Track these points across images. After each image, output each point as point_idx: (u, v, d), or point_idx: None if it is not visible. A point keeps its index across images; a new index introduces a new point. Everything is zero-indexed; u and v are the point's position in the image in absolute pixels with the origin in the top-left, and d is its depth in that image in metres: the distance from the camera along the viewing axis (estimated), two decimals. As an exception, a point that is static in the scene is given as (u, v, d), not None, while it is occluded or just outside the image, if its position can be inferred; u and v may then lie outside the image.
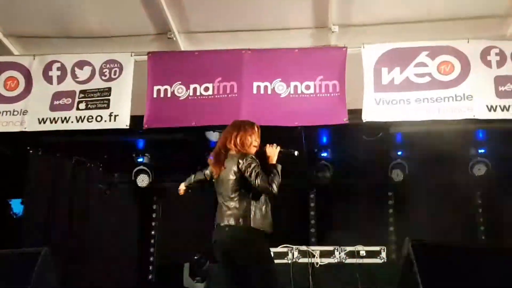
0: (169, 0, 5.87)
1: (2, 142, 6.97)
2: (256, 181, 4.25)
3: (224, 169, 4.46)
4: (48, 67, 6.35)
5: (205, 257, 7.48)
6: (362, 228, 7.94)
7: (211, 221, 9.04)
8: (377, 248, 6.80)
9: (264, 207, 4.38)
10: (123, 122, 6.11)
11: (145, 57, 6.24)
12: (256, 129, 4.60)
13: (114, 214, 8.74)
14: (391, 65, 5.97)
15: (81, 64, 6.33)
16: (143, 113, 6.14)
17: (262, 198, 4.41)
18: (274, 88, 6.07)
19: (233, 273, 4.34)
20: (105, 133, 6.42)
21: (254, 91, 6.08)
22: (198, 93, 6.13)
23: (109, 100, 6.18)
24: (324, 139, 8.25)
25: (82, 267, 7.76)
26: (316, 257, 6.65)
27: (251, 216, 4.32)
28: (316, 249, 6.74)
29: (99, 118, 6.14)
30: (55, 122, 6.19)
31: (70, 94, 6.26)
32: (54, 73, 6.33)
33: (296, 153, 4.59)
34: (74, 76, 6.32)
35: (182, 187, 5.12)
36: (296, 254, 6.65)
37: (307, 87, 6.03)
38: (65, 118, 6.19)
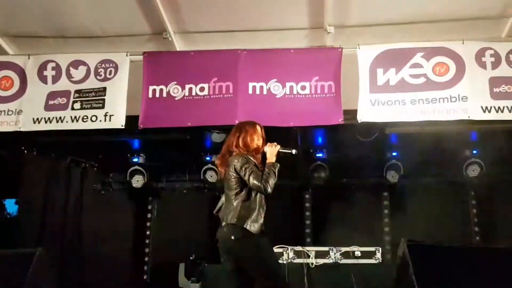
0: (165, 0, 5.85)
1: (-4, 142, 6.95)
2: (250, 180, 4.33)
3: (227, 170, 4.53)
4: (43, 67, 6.33)
5: (200, 257, 7.48)
6: (357, 229, 7.95)
7: (206, 222, 9.08)
8: (372, 249, 6.81)
9: (257, 207, 4.41)
10: (118, 122, 6.09)
11: (141, 57, 6.23)
12: (258, 128, 4.68)
13: (109, 214, 8.73)
14: (386, 66, 5.98)
15: (76, 64, 6.32)
16: (138, 113, 6.13)
17: (257, 198, 4.43)
18: (269, 88, 6.07)
19: (235, 271, 4.42)
20: (100, 133, 6.40)
21: (250, 92, 6.08)
22: (193, 93, 6.12)
23: (104, 100, 6.16)
24: (320, 140, 8.26)
25: (77, 267, 7.75)
26: (311, 258, 6.65)
27: (247, 216, 4.37)
28: (311, 249, 6.74)
29: (94, 118, 6.12)
30: (50, 122, 6.17)
31: (65, 94, 6.24)
32: (49, 72, 6.31)
33: (294, 151, 4.63)
34: (69, 76, 6.30)
35: None
36: (291, 254, 6.65)
37: (303, 88, 6.04)
38: (60, 118, 6.17)
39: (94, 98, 6.18)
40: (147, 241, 8.99)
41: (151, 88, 6.18)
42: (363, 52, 6.02)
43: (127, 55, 6.25)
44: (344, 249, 6.72)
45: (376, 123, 6.08)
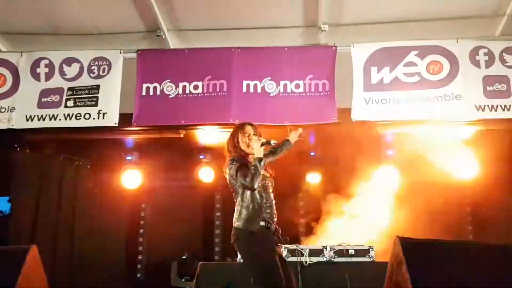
0: (159, -3, 5.84)
1: (-11, 139, 6.91)
2: (239, 180, 4.44)
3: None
4: (35, 64, 6.30)
5: (193, 256, 7.48)
6: (351, 227, 7.96)
7: (199, 220, 9.05)
8: (366, 247, 6.80)
9: (254, 206, 4.44)
10: (112, 120, 6.07)
11: (134, 55, 6.21)
12: (246, 127, 4.71)
13: (103, 212, 8.70)
14: (380, 64, 5.99)
15: (69, 61, 6.29)
16: (132, 111, 6.10)
17: (253, 196, 4.44)
18: (263, 86, 6.06)
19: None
20: (94, 131, 6.37)
21: (244, 90, 6.07)
22: (187, 91, 6.11)
23: (97, 97, 6.13)
24: (314, 138, 8.26)
25: (70, 265, 7.72)
26: (305, 256, 6.64)
27: (241, 216, 4.47)
28: (305, 247, 6.72)
29: (87, 116, 6.09)
30: (43, 120, 6.13)
31: (58, 91, 6.21)
32: (42, 70, 6.28)
33: (272, 142, 4.70)
34: (62, 73, 6.27)
35: None
36: (285, 252, 6.63)
37: (297, 86, 6.03)
38: (53, 115, 6.14)
39: (88, 96, 6.16)
40: (140, 239, 8.98)
41: (144, 86, 6.16)
42: (357, 51, 6.03)
43: (120, 53, 6.22)
44: (338, 247, 6.71)
45: (370, 121, 6.08)
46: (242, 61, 6.14)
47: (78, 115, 6.11)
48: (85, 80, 6.21)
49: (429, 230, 7.79)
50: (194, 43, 6.38)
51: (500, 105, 5.77)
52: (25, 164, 7.74)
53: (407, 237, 4.64)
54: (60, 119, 6.12)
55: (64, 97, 6.18)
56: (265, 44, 6.20)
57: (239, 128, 4.79)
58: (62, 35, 6.37)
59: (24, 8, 5.98)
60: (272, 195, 4.60)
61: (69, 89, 6.20)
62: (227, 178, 4.63)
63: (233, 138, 4.75)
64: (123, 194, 8.99)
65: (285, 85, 6.06)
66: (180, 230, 8.70)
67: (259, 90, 6.06)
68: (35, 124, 6.14)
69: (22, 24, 6.28)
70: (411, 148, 7.67)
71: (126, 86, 6.13)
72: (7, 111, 6.18)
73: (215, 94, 6.07)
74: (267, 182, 4.62)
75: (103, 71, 6.21)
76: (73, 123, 6.11)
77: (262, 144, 4.57)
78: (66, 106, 6.14)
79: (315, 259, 6.66)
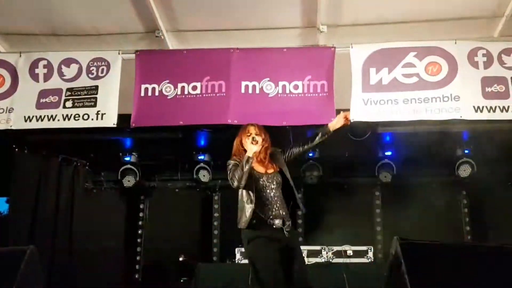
0: (158, -2, 5.84)
1: (-13, 140, 6.90)
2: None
3: None
4: (34, 65, 6.29)
5: (191, 257, 7.47)
6: (349, 228, 7.97)
7: (198, 221, 9.04)
8: (364, 248, 6.82)
9: (245, 205, 4.51)
10: (110, 120, 6.06)
11: (133, 56, 6.21)
12: (247, 128, 4.75)
13: (101, 213, 8.70)
14: (379, 65, 5.99)
15: (68, 62, 6.28)
16: (130, 112, 6.10)
17: (244, 196, 4.54)
18: (262, 87, 6.06)
19: None
20: (92, 132, 6.37)
21: (242, 91, 6.07)
22: (186, 92, 6.10)
23: (96, 98, 6.13)
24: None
25: (68, 266, 7.71)
26: (304, 257, 6.64)
27: (238, 217, 4.58)
28: (304, 248, 6.71)
29: (86, 117, 6.09)
30: (42, 120, 6.12)
31: (57, 92, 6.20)
32: (41, 70, 6.27)
33: (257, 138, 4.69)
34: (60, 74, 6.26)
35: None
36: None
37: (296, 87, 6.03)
38: (52, 116, 6.13)
39: (86, 97, 6.15)
40: (139, 240, 8.96)
41: (143, 86, 6.16)
42: (356, 52, 6.03)
43: (119, 54, 6.22)
44: (336, 248, 6.73)
45: (368, 122, 6.08)
46: (241, 62, 6.14)
47: (77, 115, 6.10)
48: (84, 81, 6.20)
49: (427, 231, 7.81)
50: (192, 44, 6.37)
51: (499, 106, 5.77)
52: (23, 165, 7.72)
53: (406, 238, 4.63)
54: (58, 120, 6.11)
55: (63, 97, 6.17)
56: (264, 45, 6.21)
57: (242, 129, 4.83)
58: (61, 36, 6.37)
59: (23, 8, 5.97)
60: (274, 192, 4.57)
61: (68, 89, 6.19)
62: None
63: (237, 140, 4.78)
64: (121, 194, 8.98)
65: (284, 86, 6.06)
66: (179, 231, 8.70)
67: (257, 91, 6.05)
68: (34, 124, 6.13)
69: (20, 25, 6.27)
70: (409, 148, 7.68)
71: (124, 87, 6.13)
72: (6, 112, 6.17)
73: (214, 95, 6.07)
74: (263, 180, 4.60)
75: (102, 72, 6.20)
76: (72, 124, 6.10)
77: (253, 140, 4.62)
78: (64, 107, 6.14)
79: (313, 260, 6.67)
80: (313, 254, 6.72)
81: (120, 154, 8.56)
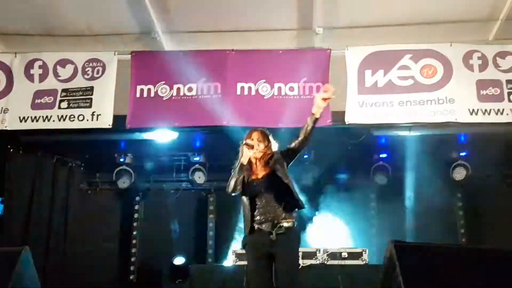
0: (154, -1, 5.84)
1: (-18, 140, 6.88)
2: None
3: None
4: (29, 65, 6.29)
5: (183, 259, 7.45)
6: (344, 230, 7.98)
7: (193, 222, 9.02)
8: (359, 250, 6.82)
9: (243, 212, 4.54)
10: (106, 121, 6.06)
11: (129, 57, 6.21)
12: (250, 133, 4.71)
13: (96, 213, 8.67)
14: (374, 68, 6.01)
15: (63, 63, 6.28)
16: (126, 113, 6.11)
17: (243, 203, 4.56)
18: (258, 89, 6.07)
19: None
20: (87, 133, 6.35)
21: (238, 92, 6.08)
22: (181, 93, 6.11)
23: (91, 99, 6.13)
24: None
25: (62, 267, 7.69)
26: (294, 258, 6.64)
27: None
28: (299, 250, 6.73)
29: (81, 117, 6.08)
30: (37, 121, 6.12)
31: (52, 92, 6.20)
32: (36, 71, 6.27)
33: (241, 142, 4.65)
34: (56, 74, 6.26)
35: None
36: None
37: (291, 89, 6.04)
38: (47, 116, 6.12)
39: (81, 97, 6.15)
40: (133, 241, 8.93)
41: (139, 87, 6.16)
42: (351, 54, 6.04)
43: (115, 54, 6.22)
44: (331, 250, 6.72)
45: (364, 124, 6.09)
46: (237, 64, 6.15)
47: (72, 116, 6.10)
48: (79, 82, 6.20)
49: (423, 233, 7.82)
50: (188, 45, 6.37)
51: (493, 109, 5.80)
52: (18, 165, 7.69)
53: (401, 240, 4.64)
54: (53, 121, 6.11)
55: (58, 98, 6.16)
56: (260, 46, 6.22)
57: (246, 133, 4.81)
58: (56, 37, 6.37)
59: (19, 9, 5.97)
60: (265, 196, 4.55)
61: (63, 90, 6.19)
62: None
63: (242, 144, 4.72)
64: (116, 195, 8.96)
65: (280, 88, 6.07)
66: (174, 232, 8.68)
67: (253, 93, 6.06)
68: (29, 125, 6.13)
69: (16, 25, 6.27)
70: (404, 150, 7.69)
71: (120, 88, 6.13)
72: (1, 112, 6.18)
73: (209, 96, 6.08)
74: (256, 185, 4.61)
75: (97, 73, 6.20)
76: (67, 125, 6.10)
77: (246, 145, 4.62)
78: (59, 108, 6.14)
79: (308, 262, 6.67)
80: (308, 256, 6.72)
81: (115, 155, 8.53)
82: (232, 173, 4.54)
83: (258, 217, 4.48)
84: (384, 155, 8.32)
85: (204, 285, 6.61)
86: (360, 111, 5.93)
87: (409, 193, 8.16)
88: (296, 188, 4.59)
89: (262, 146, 4.65)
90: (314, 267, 6.67)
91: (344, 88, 5.94)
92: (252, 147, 4.57)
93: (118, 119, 6.09)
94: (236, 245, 7.52)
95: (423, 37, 6.05)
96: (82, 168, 8.72)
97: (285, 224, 4.44)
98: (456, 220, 8.53)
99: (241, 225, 4.68)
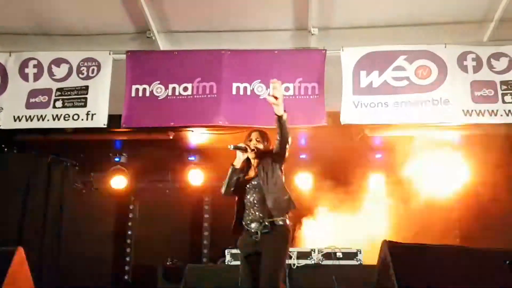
0: (149, -2, 5.83)
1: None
2: None
3: None
4: (24, 64, 6.26)
5: (178, 258, 7.44)
6: (339, 230, 7.99)
7: (188, 222, 9.01)
8: (354, 250, 6.84)
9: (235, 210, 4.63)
10: (101, 121, 6.05)
11: (124, 56, 6.19)
12: (247, 134, 4.78)
13: (90, 213, 8.66)
14: (369, 68, 6.01)
15: (58, 62, 6.26)
16: (121, 112, 6.08)
17: (238, 202, 4.66)
18: (253, 89, 6.07)
19: None
20: (82, 132, 6.35)
21: (234, 92, 6.07)
22: (177, 93, 6.10)
23: (86, 98, 6.11)
24: (303, 141, 8.27)
25: (56, 267, 7.68)
26: (293, 258, 6.66)
27: None
28: (294, 250, 6.75)
29: (76, 117, 6.07)
30: (31, 120, 6.09)
31: (47, 92, 6.17)
32: (30, 70, 6.24)
33: (230, 146, 4.68)
34: (51, 73, 6.23)
35: None
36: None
37: (287, 89, 6.04)
38: (41, 116, 6.10)
39: (76, 97, 6.13)
40: (128, 241, 8.94)
41: (134, 87, 6.14)
42: (346, 54, 6.05)
43: (110, 54, 6.20)
44: (326, 250, 6.73)
45: (359, 125, 6.10)
46: (232, 64, 6.14)
47: (67, 116, 6.08)
48: (74, 81, 6.18)
49: (416, 234, 7.84)
50: (184, 45, 6.37)
51: (488, 110, 5.81)
52: (12, 165, 7.68)
53: (394, 241, 4.66)
54: (48, 120, 6.09)
55: (53, 97, 6.14)
56: (255, 46, 6.21)
57: (246, 134, 4.87)
58: (51, 36, 6.35)
59: (13, 8, 5.95)
60: (254, 195, 4.58)
61: (58, 89, 6.17)
62: None
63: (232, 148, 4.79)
64: (111, 195, 8.95)
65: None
66: (169, 232, 8.68)
67: (248, 93, 6.06)
68: (23, 124, 6.10)
69: (11, 24, 6.24)
70: (399, 152, 7.71)
71: (115, 87, 6.11)
72: (-5, 112, 6.14)
73: (205, 96, 6.07)
74: (247, 186, 4.65)
75: (92, 72, 6.18)
76: (62, 124, 6.08)
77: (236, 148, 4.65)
78: (54, 107, 6.11)
79: (303, 262, 6.68)
80: (303, 255, 6.73)
81: (110, 154, 8.54)
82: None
83: (247, 217, 4.52)
84: (379, 156, 8.34)
85: (199, 285, 6.61)
86: (355, 112, 5.93)
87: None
88: (286, 188, 4.61)
89: (261, 146, 4.69)
90: (308, 267, 6.69)
91: (339, 88, 5.95)
92: (245, 150, 4.61)
93: (113, 119, 6.07)
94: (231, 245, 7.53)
95: (418, 38, 6.05)
96: (77, 168, 8.71)
97: (271, 224, 4.46)
98: (451, 221, 8.56)
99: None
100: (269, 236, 4.43)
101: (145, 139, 7.60)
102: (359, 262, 6.77)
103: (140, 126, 6.28)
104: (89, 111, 6.07)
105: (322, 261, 6.70)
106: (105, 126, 6.05)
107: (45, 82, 6.22)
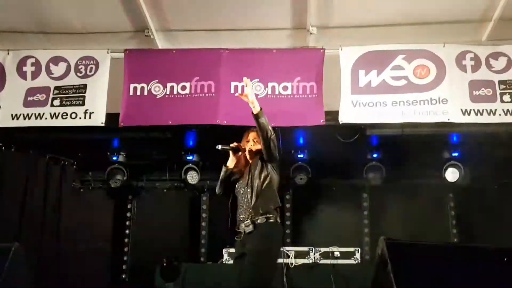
0: (147, -3, 5.83)
1: (-26, 138, 6.85)
2: None
3: None
4: (22, 63, 6.26)
5: (176, 258, 7.42)
6: (337, 229, 7.99)
7: (186, 221, 9.01)
8: (351, 249, 6.84)
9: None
10: (99, 119, 6.05)
11: (122, 54, 6.20)
12: (245, 134, 4.79)
13: (88, 212, 8.64)
14: (368, 68, 6.02)
15: (56, 60, 6.26)
16: (119, 111, 6.09)
17: (232, 202, 4.67)
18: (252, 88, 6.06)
19: None
20: (80, 131, 6.33)
21: (232, 91, 6.08)
22: (175, 92, 6.10)
23: (84, 97, 6.11)
24: (301, 140, 8.26)
25: (54, 266, 7.66)
26: (291, 258, 6.66)
27: None
28: (291, 249, 6.75)
29: (74, 115, 6.06)
30: (29, 119, 6.09)
31: (45, 90, 6.17)
32: (28, 68, 6.24)
33: (218, 147, 4.67)
34: (49, 72, 6.23)
35: None
36: (271, 254, 6.64)
37: (285, 88, 6.05)
38: (39, 114, 6.10)
39: (74, 95, 6.13)
40: (126, 240, 8.90)
41: (132, 86, 6.15)
42: (345, 53, 6.05)
43: (108, 52, 6.21)
44: (323, 249, 6.74)
45: (357, 124, 6.11)
46: (230, 63, 6.14)
47: (65, 114, 6.07)
48: (72, 79, 6.18)
49: (415, 233, 7.84)
50: (182, 43, 6.38)
51: (486, 110, 5.82)
52: (10, 163, 7.66)
53: (392, 238, 4.65)
54: (46, 118, 6.09)
55: (51, 96, 6.14)
56: (254, 45, 6.22)
57: (244, 133, 4.87)
58: (49, 34, 6.35)
59: (11, 6, 5.94)
60: (244, 195, 4.56)
61: (56, 88, 6.17)
62: None
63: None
64: (109, 194, 8.93)
65: (273, 87, 6.07)
66: (166, 232, 8.66)
67: (247, 92, 6.05)
68: (21, 123, 6.10)
69: (9, 22, 6.24)
70: (397, 150, 7.71)
71: (113, 86, 6.11)
72: (-8, 110, 6.13)
73: (203, 95, 6.07)
74: (237, 186, 4.66)
75: (90, 71, 6.18)
76: (59, 122, 6.08)
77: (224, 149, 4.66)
78: (52, 105, 6.11)
79: (300, 261, 6.68)
80: (300, 255, 6.74)
81: (108, 153, 8.50)
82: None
83: (238, 218, 4.53)
84: (377, 155, 8.34)
85: (197, 284, 6.61)
86: (353, 111, 5.94)
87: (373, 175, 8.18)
88: (274, 187, 4.56)
89: (258, 146, 4.69)
90: (306, 267, 6.69)
91: (337, 87, 5.96)
92: (236, 150, 4.62)
93: (111, 117, 6.07)
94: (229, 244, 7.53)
95: (417, 37, 6.07)
96: (74, 167, 8.67)
97: (253, 223, 4.43)
98: (448, 220, 8.56)
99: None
100: (252, 236, 4.41)
101: (143, 138, 7.59)
102: (357, 261, 6.77)
103: (138, 125, 6.28)
104: (87, 110, 6.07)
105: (320, 260, 6.71)
106: (103, 125, 6.05)
107: (43, 80, 6.22)
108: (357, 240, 7.83)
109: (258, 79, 6.08)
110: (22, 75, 6.24)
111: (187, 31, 6.31)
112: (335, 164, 8.36)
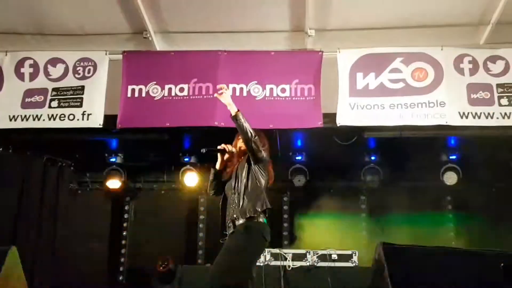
0: (146, -1, 5.83)
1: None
2: None
3: None
4: (20, 64, 6.25)
5: (172, 259, 7.42)
6: (334, 232, 7.99)
7: (183, 223, 9.00)
8: (349, 252, 6.83)
9: None
10: (96, 121, 6.03)
11: (120, 56, 6.18)
12: (237, 136, 4.77)
13: (85, 214, 8.64)
14: (366, 70, 6.02)
15: (54, 62, 6.25)
16: (116, 113, 6.07)
17: (223, 203, 4.65)
18: (249, 90, 6.07)
19: None
20: (78, 132, 6.33)
21: (230, 93, 6.05)
22: (173, 94, 6.09)
23: (82, 98, 6.10)
24: (299, 143, 8.28)
25: (51, 267, 7.66)
26: (288, 260, 6.66)
27: None
28: (288, 252, 6.75)
29: (71, 117, 6.05)
30: (27, 120, 6.08)
31: (42, 91, 6.16)
32: (26, 70, 6.23)
33: (203, 150, 4.68)
34: (46, 73, 6.22)
35: None
36: (268, 256, 6.64)
37: (283, 90, 6.04)
38: (37, 116, 6.09)
39: (72, 97, 6.12)
40: (123, 242, 8.90)
41: (130, 87, 6.14)
42: (343, 56, 6.05)
43: (106, 54, 6.19)
44: (321, 252, 6.73)
45: (355, 127, 6.11)
46: (228, 65, 6.14)
47: (62, 116, 6.06)
48: (70, 81, 6.17)
49: (412, 236, 7.85)
50: (180, 45, 6.37)
51: (484, 113, 5.82)
52: (7, 165, 7.66)
53: (389, 242, 4.66)
54: (44, 120, 6.07)
55: (48, 97, 6.13)
56: (252, 48, 6.21)
57: (237, 134, 4.84)
58: (48, 35, 6.34)
59: (10, 7, 5.93)
60: (232, 196, 4.54)
61: (54, 89, 6.16)
62: None
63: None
64: (106, 195, 8.92)
65: (271, 89, 6.07)
66: (163, 233, 8.66)
67: (245, 94, 6.05)
68: (19, 124, 6.08)
69: (7, 24, 6.23)
70: (395, 153, 7.72)
71: (111, 88, 6.10)
72: (-10, 111, 6.12)
73: (201, 97, 6.06)
74: (227, 188, 4.65)
75: (88, 72, 6.17)
76: (57, 124, 6.06)
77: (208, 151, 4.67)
78: (50, 107, 6.10)
79: (298, 264, 6.67)
80: (298, 257, 6.72)
81: (106, 155, 8.51)
82: None
83: (227, 217, 4.52)
84: (374, 157, 8.35)
85: (194, 286, 6.60)
86: (351, 113, 5.94)
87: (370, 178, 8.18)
88: (260, 188, 4.48)
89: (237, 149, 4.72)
90: (303, 269, 6.68)
91: (335, 90, 5.96)
92: (223, 152, 4.62)
93: (109, 119, 6.06)
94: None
95: (415, 40, 6.07)
96: (72, 168, 8.68)
97: (233, 224, 4.40)
98: (446, 223, 8.57)
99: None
100: (230, 236, 4.39)
101: (141, 140, 7.59)
102: (354, 264, 6.76)
103: (136, 127, 6.27)
104: (85, 111, 6.06)
105: (317, 263, 6.69)
106: (101, 126, 6.04)
107: (41, 82, 6.21)
108: (354, 243, 7.83)
109: (256, 81, 6.07)
110: (20, 76, 6.23)
111: (185, 33, 6.30)
112: (333, 166, 8.37)
